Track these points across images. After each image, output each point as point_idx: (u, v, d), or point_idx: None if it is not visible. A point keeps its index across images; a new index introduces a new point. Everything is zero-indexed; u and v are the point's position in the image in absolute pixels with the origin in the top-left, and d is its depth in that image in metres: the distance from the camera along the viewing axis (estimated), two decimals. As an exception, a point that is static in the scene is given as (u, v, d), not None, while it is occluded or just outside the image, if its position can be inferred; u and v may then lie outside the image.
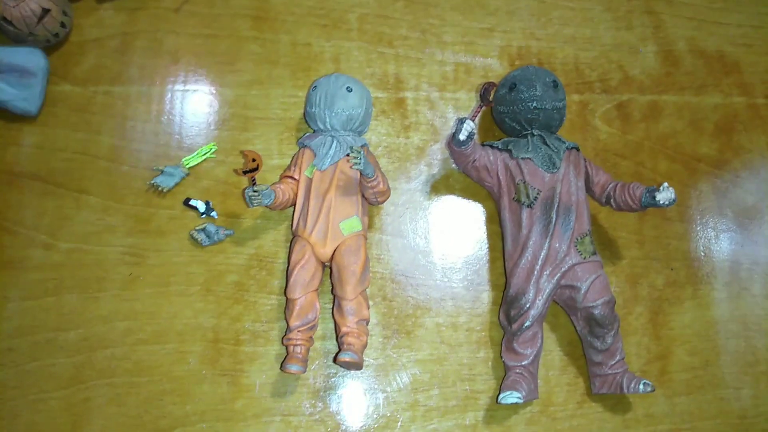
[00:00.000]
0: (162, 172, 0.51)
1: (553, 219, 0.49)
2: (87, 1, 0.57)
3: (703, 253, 0.56)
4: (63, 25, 0.52)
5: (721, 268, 0.56)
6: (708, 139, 0.60)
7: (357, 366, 0.45)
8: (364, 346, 0.47)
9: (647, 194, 0.48)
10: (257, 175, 0.46)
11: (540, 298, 0.48)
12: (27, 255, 0.49)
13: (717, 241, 0.57)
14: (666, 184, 0.48)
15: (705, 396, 0.52)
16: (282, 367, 0.46)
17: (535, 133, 0.51)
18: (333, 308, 0.48)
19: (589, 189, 0.52)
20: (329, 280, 0.49)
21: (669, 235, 0.56)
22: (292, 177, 0.50)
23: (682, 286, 0.55)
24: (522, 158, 0.50)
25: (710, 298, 0.55)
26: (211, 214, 0.51)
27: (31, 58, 0.52)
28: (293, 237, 0.49)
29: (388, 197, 0.50)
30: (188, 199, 0.51)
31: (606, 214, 0.55)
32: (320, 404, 0.48)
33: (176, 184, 0.52)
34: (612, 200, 0.51)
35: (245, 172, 0.46)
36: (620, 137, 0.58)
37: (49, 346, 0.47)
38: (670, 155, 0.59)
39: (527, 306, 0.48)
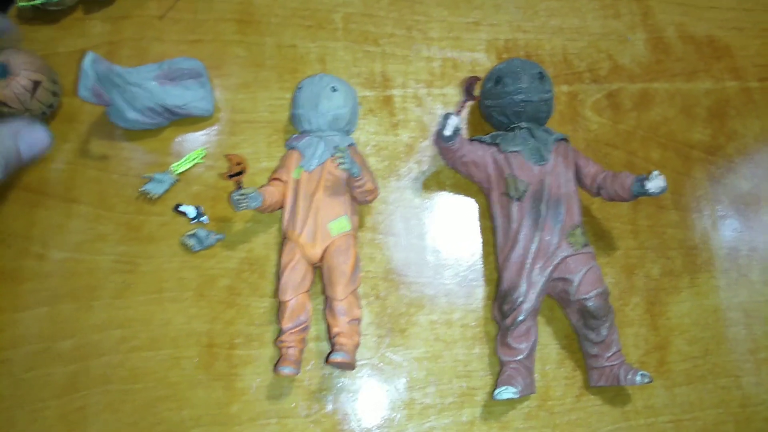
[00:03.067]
0: (151, 179, 0.52)
1: (543, 212, 0.48)
2: (72, 12, 0.57)
3: (699, 241, 0.56)
4: (54, 94, 0.51)
5: (719, 255, 0.55)
6: (701, 125, 0.59)
7: (349, 366, 0.45)
8: (357, 346, 0.47)
9: (637, 183, 0.48)
10: (244, 178, 0.46)
11: (532, 291, 0.48)
12: (19, 266, 0.49)
13: (713, 229, 0.56)
14: (656, 172, 0.47)
15: (705, 385, 0.51)
16: (275, 369, 0.46)
17: (523, 126, 0.51)
18: (324, 309, 0.48)
19: (579, 180, 0.51)
20: (320, 281, 0.49)
21: (664, 223, 0.56)
22: (279, 179, 0.50)
23: (679, 275, 0.54)
24: (510, 152, 0.50)
25: (708, 286, 0.54)
26: (202, 219, 0.51)
27: (193, 61, 0.53)
28: (283, 239, 0.49)
29: (376, 196, 0.50)
30: (178, 205, 0.51)
31: (599, 205, 0.55)
32: (316, 405, 0.48)
33: (166, 191, 0.52)
34: (602, 191, 0.50)
35: (230, 176, 0.46)
36: (611, 127, 0.58)
37: (44, 356, 0.47)
38: (662, 143, 0.58)
39: (520, 300, 0.47)
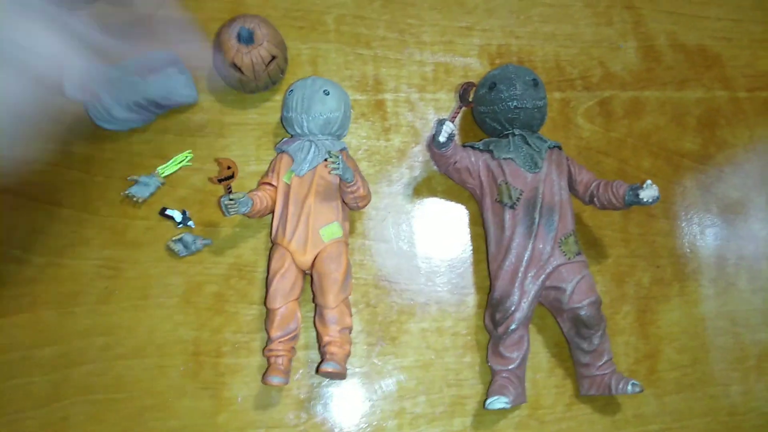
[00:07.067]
0: (137, 182, 0.50)
1: (536, 220, 0.48)
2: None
3: (688, 250, 0.56)
4: (282, 71, 0.53)
5: (707, 264, 0.56)
6: (691, 134, 0.60)
7: (340, 376, 0.45)
8: (347, 356, 0.46)
9: (630, 192, 0.48)
10: (233, 183, 0.45)
11: (525, 300, 0.47)
12: (0, 270, 0.48)
13: (702, 237, 0.57)
14: (649, 182, 0.47)
15: (695, 394, 0.52)
16: (263, 379, 0.45)
17: (516, 133, 0.50)
18: (314, 317, 0.47)
19: (572, 188, 0.51)
20: (310, 288, 0.48)
21: (654, 232, 0.56)
22: (269, 183, 0.49)
23: (669, 284, 0.54)
24: (503, 159, 0.50)
25: (697, 294, 0.55)
26: (188, 223, 0.50)
27: (164, 53, 0.52)
28: (272, 245, 0.48)
29: (369, 202, 0.49)
30: (164, 209, 0.50)
31: (590, 213, 0.55)
32: (304, 415, 0.47)
33: (151, 194, 0.50)
34: (595, 199, 0.50)
35: (220, 180, 0.45)
36: (603, 134, 0.58)
37: (25, 364, 0.46)
38: (653, 151, 0.58)
39: (512, 309, 0.47)
